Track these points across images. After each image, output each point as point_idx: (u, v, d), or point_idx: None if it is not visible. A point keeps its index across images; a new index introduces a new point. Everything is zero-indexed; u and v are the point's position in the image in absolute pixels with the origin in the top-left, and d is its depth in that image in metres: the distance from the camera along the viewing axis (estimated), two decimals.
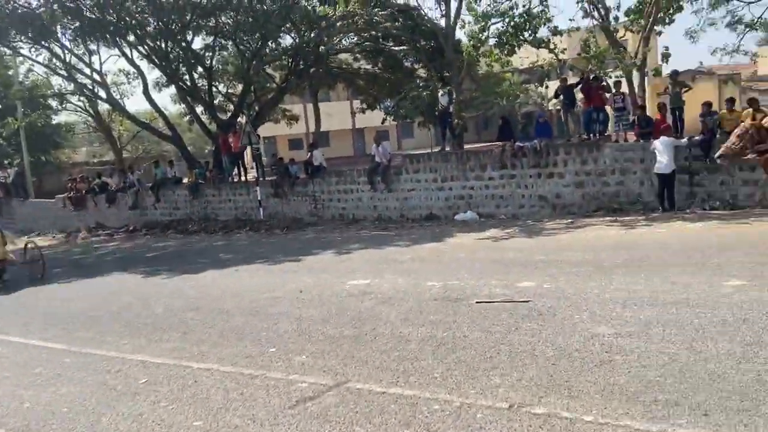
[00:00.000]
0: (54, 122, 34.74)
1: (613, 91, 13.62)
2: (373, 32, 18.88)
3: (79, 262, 14.72)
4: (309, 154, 17.97)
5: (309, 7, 20.60)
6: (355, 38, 20.40)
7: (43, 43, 20.98)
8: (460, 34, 19.38)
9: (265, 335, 6.40)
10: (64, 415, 4.78)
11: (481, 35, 14.04)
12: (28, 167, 27.89)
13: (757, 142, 9.83)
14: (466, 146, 18.47)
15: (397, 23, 18.03)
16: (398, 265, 9.61)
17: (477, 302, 6.67)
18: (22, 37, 20.46)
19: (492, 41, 14.45)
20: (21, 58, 25.93)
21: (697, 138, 11.90)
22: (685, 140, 11.96)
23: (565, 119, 14.12)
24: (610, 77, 14.17)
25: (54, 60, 23.53)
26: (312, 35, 19.28)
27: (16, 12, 18.37)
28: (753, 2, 19.59)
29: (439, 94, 15.83)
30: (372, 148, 16.68)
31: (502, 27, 13.99)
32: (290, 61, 21.86)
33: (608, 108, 13.86)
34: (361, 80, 24.38)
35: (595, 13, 14.67)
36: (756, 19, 19.74)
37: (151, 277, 11.15)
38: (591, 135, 13.54)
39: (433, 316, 6.35)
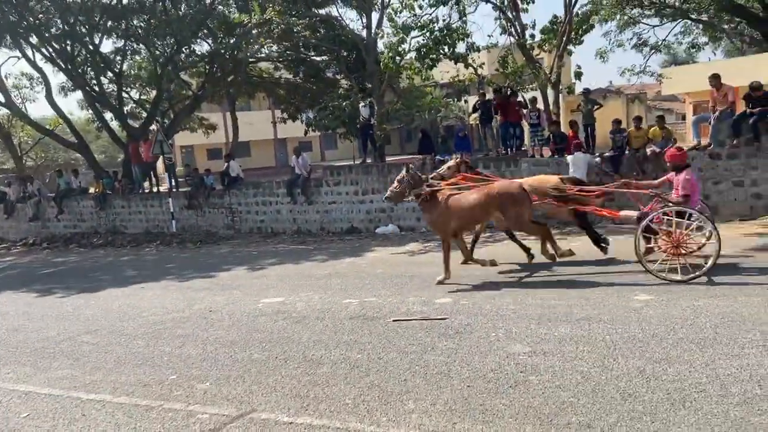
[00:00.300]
0: None
1: (529, 107, 13.96)
2: (293, 41, 18.55)
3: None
4: (225, 164, 17.35)
5: (227, 13, 20.04)
6: (275, 46, 19.97)
7: None
8: (380, 46, 19.42)
9: (167, 360, 5.93)
10: None
11: (400, 47, 14.06)
12: None
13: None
14: (389, 159, 18.44)
15: (318, 33, 17.81)
16: (315, 281, 9.31)
17: (394, 320, 6.48)
18: None
19: (412, 54, 14.51)
20: None
21: (607, 154, 12.36)
22: (597, 157, 12.38)
23: (483, 134, 14.32)
24: (527, 92, 14.53)
25: None
26: (230, 42, 18.71)
27: None
28: (657, 26, 20.85)
29: (361, 106, 15.70)
30: (292, 159, 16.31)
31: (423, 40, 14.06)
32: (207, 67, 21.14)
33: (524, 123, 14.19)
34: (282, 89, 23.92)
35: (513, 30, 15.06)
36: (660, 42, 21.01)
37: (46, 296, 10.28)
38: (508, 149, 13.79)
39: (348, 336, 6.11)
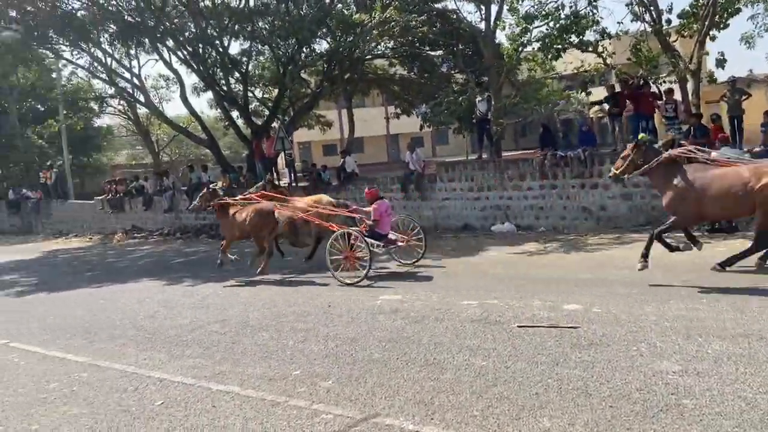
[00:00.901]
0: (96, 125, 35.41)
1: (664, 98, 12.87)
2: (410, 37, 18.46)
3: (111, 266, 14.63)
4: (341, 160, 17.63)
5: (346, 12, 20.34)
6: (391, 43, 20.00)
7: (83, 46, 21.17)
8: (500, 38, 18.81)
9: (290, 354, 5.99)
10: None
11: (523, 38, 13.46)
12: (69, 169, 28.29)
13: None
14: (503, 154, 17.88)
15: (434, 28, 17.56)
16: (434, 279, 9.12)
17: (518, 326, 6.13)
18: (63, 40, 20.68)
19: (535, 45, 13.85)
20: (63, 62, 26.36)
21: (758, 149, 11.09)
22: (746, 152, 11.14)
23: (612, 128, 13.38)
24: (664, 83, 13.38)
25: (95, 64, 23.82)
26: (347, 40, 18.98)
27: (56, 13, 18.53)
28: None
29: (477, 100, 15.28)
30: (406, 154, 16.23)
31: (547, 29, 13.36)
32: (325, 66, 21.61)
33: (655, 116, 13.11)
34: (395, 86, 23.99)
35: (647, 16, 13.92)
36: None
37: (177, 284, 10.88)
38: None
39: (470, 340, 5.84)
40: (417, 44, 19.79)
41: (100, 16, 19.11)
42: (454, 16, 17.72)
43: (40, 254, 18.93)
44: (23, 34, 19.64)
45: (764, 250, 7.45)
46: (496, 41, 17.55)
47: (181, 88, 23.62)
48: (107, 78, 24.64)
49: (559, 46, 13.36)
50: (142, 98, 24.59)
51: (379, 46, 20.12)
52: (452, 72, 20.93)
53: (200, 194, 11.49)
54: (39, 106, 32.82)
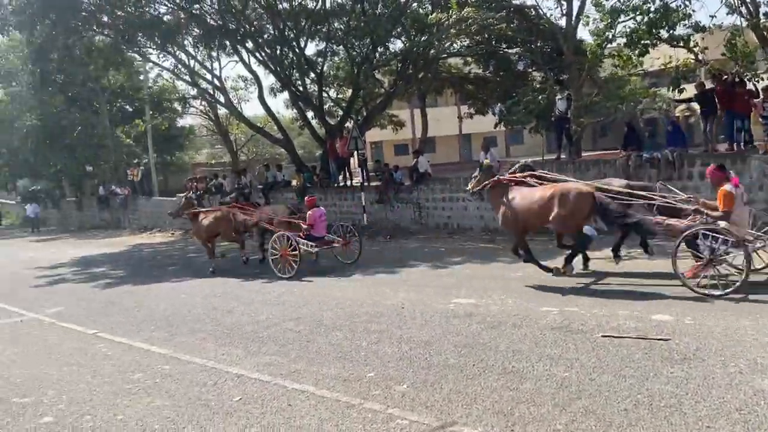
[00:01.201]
0: (179, 125, 36.99)
1: (762, 96, 11.96)
2: (486, 35, 18.11)
3: (191, 261, 15.16)
4: (414, 160, 17.53)
5: (421, 11, 20.23)
6: (467, 41, 19.71)
7: (168, 48, 22.11)
8: (581, 34, 18.14)
9: (364, 356, 5.96)
10: None
11: (608, 33, 12.87)
12: (154, 167, 29.68)
13: None
14: (582, 154, 17.23)
15: (512, 25, 17.14)
16: (507, 283, 8.88)
17: (603, 336, 5.83)
18: (150, 43, 21.68)
19: (620, 40, 13.20)
20: (150, 65, 27.66)
21: None
22: None
23: (704, 127, 12.57)
24: (761, 80, 12.45)
25: (179, 66, 24.86)
26: (422, 39, 18.86)
27: (144, 17, 19.44)
28: None
29: (557, 99, 14.77)
30: (480, 155, 15.92)
31: (634, 24, 12.72)
32: (399, 65, 21.59)
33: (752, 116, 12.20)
34: (470, 84, 23.64)
35: (743, 9, 13.00)
36: None
37: (253, 280, 11.12)
38: (734, 145, 11.98)
39: (551, 349, 5.60)
40: (494, 42, 19.41)
41: (185, 20, 19.89)
42: (533, 13, 17.26)
43: (126, 248, 19.95)
44: (114, 38, 20.74)
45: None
46: (577, 37, 16.93)
47: (259, 88, 24.26)
48: (190, 79, 25.68)
49: (647, 42, 12.67)
50: (222, 99, 25.43)
51: (454, 45, 19.88)
52: (529, 70, 20.39)
53: (180, 203, 13.62)
54: (127, 107, 34.59)
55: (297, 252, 10.77)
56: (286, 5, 20.62)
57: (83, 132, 30.73)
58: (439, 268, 10.87)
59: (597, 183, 9.25)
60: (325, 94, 24.41)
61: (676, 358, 5.02)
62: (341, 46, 22.36)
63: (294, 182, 21.49)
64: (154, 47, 22.28)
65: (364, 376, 5.38)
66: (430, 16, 17.64)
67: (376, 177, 19.38)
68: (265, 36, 21.25)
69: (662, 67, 14.40)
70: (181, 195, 24.67)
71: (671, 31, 12.69)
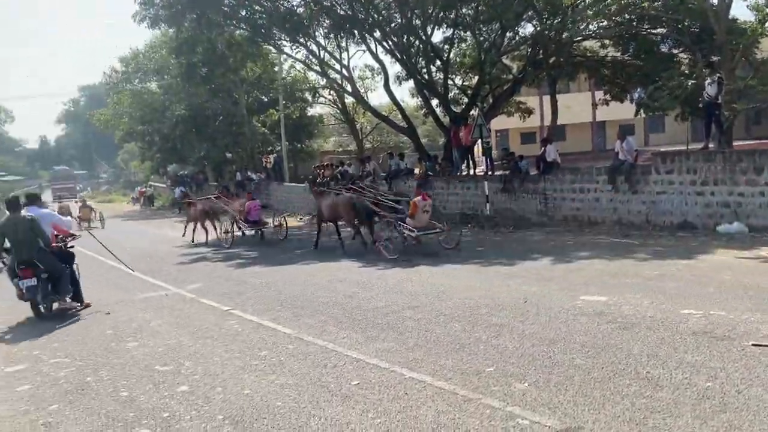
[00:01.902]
0: (309, 114, 38.56)
1: None
2: (627, 15, 16.87)
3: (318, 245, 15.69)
4: (542, 148, 16.82)
5: None
6: (605, 23, 18.51)
7: (300, 40, 23.01)
8: (734, 12, 16.37)
9: (483, 349, 5.79)
10: (276, 410, 4.73)
11: None
12: (286, 154, 31.18)
13: None
14: (734, 143, 15.61)
15: (656, 3, 15.82)
16: (642, 282, 8.23)
17: (753, 344, 5.21)
18: (283, 36, 22.68)
19: None
20: (284, 56, 28.97)
21: None
22: None
23: None
24: None
25: (310, 57, 25.82)
26: (555, 22, 17.98)
27: (278, 11, 20.34)
28: None
29: (706, 83, 13.44)
30: (616, 144, 14.93)
31: None
32: (529, 50, 20.81)
33: None
34: (606, 69, 22.24)
35: None
36: None
37: (371, 267, 11.26)
38: None
39: (692, 356, 5.10)
40: (635, 22, 18.06)
41: (317, 11, 20.56)
42: None
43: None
44: (250, 31, 21.93)
45: None
46: (730, 16, 15.29)
47: (385, 77, 24.55)
48: (320, 70, 26.57)
49: None
50: (349, 88, 26.07)
51: (590, 27, 18.78)
52: (675, 51, 18.76)
53: (183, 191, 18.81)
54: (263, 97, 36.63)
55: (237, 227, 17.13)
56: None
57: (224, 121, 33.04)
58: (566, 262, 10.35)
59: None
60: (450, 82, 24.19)
61: None
62: (468, 32, 21.98)
63: (417, 170, 21.56)
64: (288, 39, 23.27)
65: (483, 370, 5.22)
66: None
67: (502, 166, 18.88)
68: (393, 25, 21.42)
69: None
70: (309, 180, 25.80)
71: None
